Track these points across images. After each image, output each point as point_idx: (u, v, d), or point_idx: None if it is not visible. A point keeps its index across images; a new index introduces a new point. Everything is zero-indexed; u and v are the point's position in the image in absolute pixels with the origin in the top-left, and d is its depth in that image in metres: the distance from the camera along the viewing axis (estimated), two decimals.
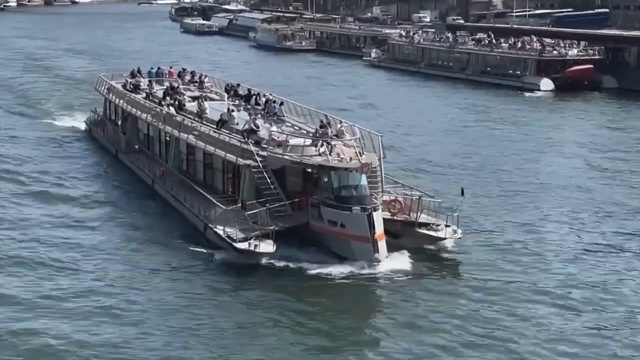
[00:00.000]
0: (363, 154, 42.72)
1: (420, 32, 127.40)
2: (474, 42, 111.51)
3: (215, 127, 48.76)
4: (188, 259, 40.79)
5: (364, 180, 41.49)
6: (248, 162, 43.29)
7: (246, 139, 45.78)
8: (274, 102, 51.87)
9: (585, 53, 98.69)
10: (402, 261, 40.12)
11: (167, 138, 52.41)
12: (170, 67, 67.88)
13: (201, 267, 39.94)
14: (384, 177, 44.03)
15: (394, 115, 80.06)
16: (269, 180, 42.50)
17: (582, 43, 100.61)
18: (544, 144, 67.70)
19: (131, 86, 61.21)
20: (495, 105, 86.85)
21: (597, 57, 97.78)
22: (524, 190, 53.20)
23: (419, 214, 42.39)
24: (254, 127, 46.31)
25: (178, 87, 58.23)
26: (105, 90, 64.02)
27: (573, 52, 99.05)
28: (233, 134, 47.04)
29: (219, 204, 42.82)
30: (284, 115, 51.10)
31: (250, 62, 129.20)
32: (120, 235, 44.31)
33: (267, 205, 41.17)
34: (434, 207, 43.11)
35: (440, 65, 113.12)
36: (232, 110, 49.31)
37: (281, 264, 39.62)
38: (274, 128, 45.70)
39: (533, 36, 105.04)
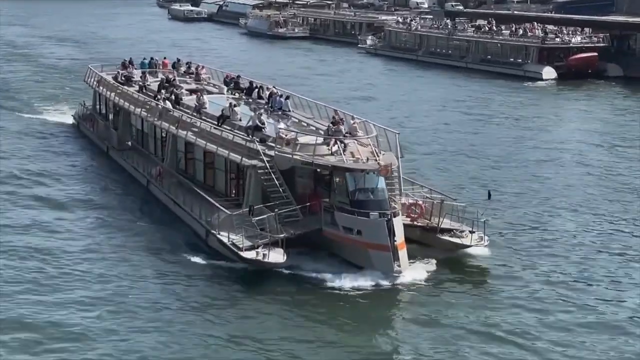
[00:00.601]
0: (380, 153, 39.11)
1: (418, 18, 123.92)
2: (473, 29, 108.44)
3: (216, 123, 45.01)
4: (188, 268, 37.24)
5: (382, 183, 37.98)
6: (254, 162, 39.73)
7: (251, 137, 42.18)
8: (280, 95, 48.11)
9: (589, 40, 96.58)
10: (423, 271, 36.79)
11: (163, 135, 48.72)
12: (164, 58, 63.89)
13: (203, 277, 36.44)
14: (402, 178, 40.29)
15: (391, 107, 76.65)
16: (277, 183, 38.95)
17: (586, 30, 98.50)
18: (552, 137, 64.53)
19: (123, 78, 57.42)
20: (496, 95, 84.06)
21: (601, 44, 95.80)
22: (544, 187, 50.21)
23: (441, 219, 38.85)
24: (259, 124, 42.68)
25: (174, 79, 54.32)
26: (95, 83, 60.13)
27: (576, 40, 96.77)
28: (236, 131, 43.33)
29: (222, 208, 39.19)
30: (289, 110, 47.39)
31: (240, 50, 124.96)
32: (113, 242, 40.58)
33: (276, 210, 37.54)
34: (457, 211, 39.50)
35: (438, 53, 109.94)
36: (235, 105, 45.57)
37: (291, 274, 36.25)
38: (282, 125, 42.11)
39: (535, 23, 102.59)
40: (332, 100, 59.99)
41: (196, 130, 44.90)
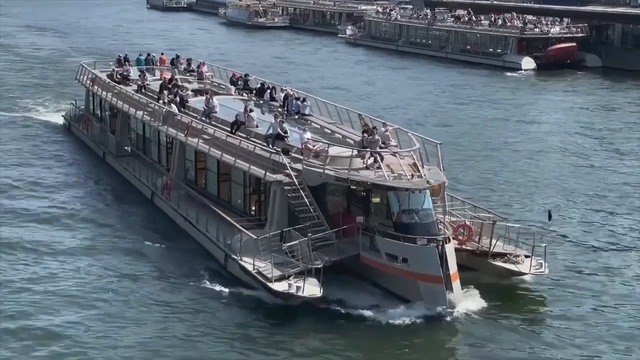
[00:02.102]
0: (423, 167, 33.23)
1: (398, 8, 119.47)
2: (453, 19, 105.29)
3: (229, 130, 38.91)
4: (205, 298, 31.53)
5: (428, 203, 32.16)
6: (279, 177, 33.73)
7: (271, 147, 36.17)
8: (297, 98, 41.94)
9: (567, 31, 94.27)
10: (478, 304, 30.99)
11: (168, 141, 42.48)
12: (162, 54, 57.44)
13: (222, 309, 30.79)
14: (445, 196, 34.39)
15: (369, 98, 71.31)
16: (306, 201, 33.02)
17: (565, 20, 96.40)
18: (541, 130, 60.78)
19: (119, 76, 50.93)
20: (476, 85, 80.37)
21: (580, 34, 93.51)
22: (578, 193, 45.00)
23: (493, 241, 32.97)
24: (281, 132, 36.61)
25: (175, 78, 47.91)
26: (89, 81, 53.42)
27: (555, 30, 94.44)
28: (254, 140, 37.30)
29: (244, 230, 33.17)
30: (308, 114, 41.31)
31: (219, 40, 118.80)
32: (116, 265, 34.55)
33: (309, 234, 31.56)
34: (509, 232, 33.63)
35: (418, 43, 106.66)
36: (251, 110, 39.36)
37: (326, 307, 30.41)
38: (308, 134, 35.94)
39: (514, 13, 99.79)
40: (309, 92, 53.39)
41: (208, 137, 38.76)
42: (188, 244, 36.35)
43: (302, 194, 33.10)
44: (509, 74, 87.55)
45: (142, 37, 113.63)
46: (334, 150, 34.00)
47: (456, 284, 30.64)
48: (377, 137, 34.30)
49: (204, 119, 41.26)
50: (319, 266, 30.50)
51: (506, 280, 32.63)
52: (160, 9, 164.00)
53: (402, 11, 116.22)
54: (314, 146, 34.82)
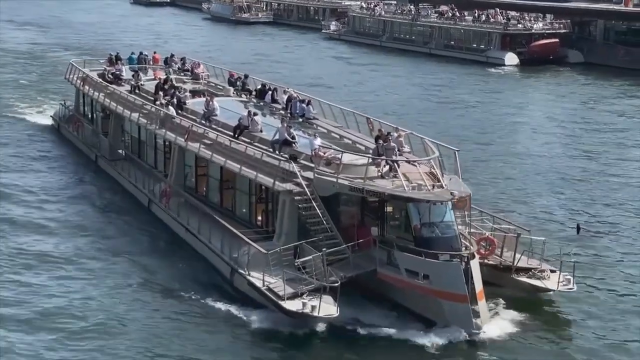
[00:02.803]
0: (443, 176, 30.58)
1: (382, 4, 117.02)
2: (437, 15, 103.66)
3: (232, 134, 36.11)
4: (210, 315, 28.90)
5: (450, 215, 29.55)
6: (289, 186, 30.97)
7: (278, 153, 33.43)
8: (301, 101, 39.14)
9: (550, 27, 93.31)
10: (506, 324, 28.47)
11: (165, 145, 39.62)
12: (155, 53, 54.33)
13: (229, 328, 28.12)
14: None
15: (354, 95, 68.58)
16: (318, 212, 30.30)
17: (548, 16, 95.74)
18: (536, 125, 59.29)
19: (110, 76, 47.85)
20: (459, 81, 78.70)
21: (562, 30, 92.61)
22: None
23: (518, 255, 30.36)
24: (289, 138, 33.85)
25: (170, 79, 44.90)
26: (79, 81, 50.09)
27: (538, 26, 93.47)
28: (259, 146, 34.52)
29: (252, 243, 30.46)
30: (313, 117, 38.54)
31: (202, 36, 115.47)
32: (113, 280, 31.71)
33: (324, 249, 28.85)
34: (533, 245, 31.05)
35: (402, 38, 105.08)
36: (255, 114, 36.54)
37: (342, 326, 27.75)
38: (318, 140, 33.17)
39: (497, 9, 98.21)
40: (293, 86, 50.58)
41: (210, 142, 35.91)
42: (190, 256, 33.54)
43: (314, 204, 30.38)
44: (492, 69, 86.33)
45: (125, 32, 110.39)
46: (347, 158, 31.24)
47: (482, 303, 28.09)
48: (392, 143, 31.58)
49: (203, 122, 38.33)
50: (336, 285, 27.73)
51: (531, 297, 30.12)
52: (144, 4, 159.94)
53: (386, 7, 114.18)
54: (325, 153, 32.08)
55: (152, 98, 42.22)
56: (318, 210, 30.31)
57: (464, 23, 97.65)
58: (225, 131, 36.86)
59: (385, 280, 29.25)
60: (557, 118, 62.41)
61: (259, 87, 42.89)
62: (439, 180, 30.02)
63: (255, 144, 35.28)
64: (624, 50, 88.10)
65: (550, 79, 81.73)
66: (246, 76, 45.07)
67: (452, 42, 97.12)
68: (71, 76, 51.12)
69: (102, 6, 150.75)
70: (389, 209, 30.47)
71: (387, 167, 30.88)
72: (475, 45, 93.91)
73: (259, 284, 29.04)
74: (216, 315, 28.88)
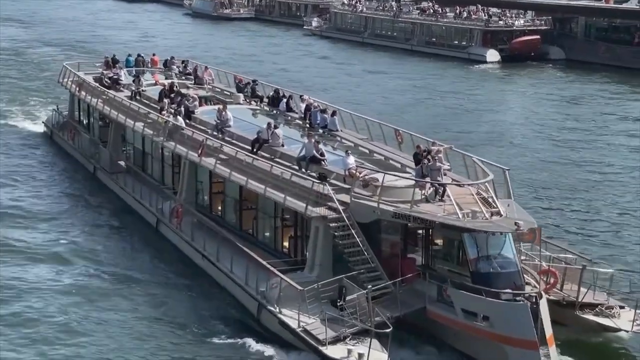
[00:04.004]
0: (497, 202, 25.82)
1: (364, 0, 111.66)
2: (418, 11, 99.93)
3: (250, 148, 31.13)
4: (235, 358, 23.92)
5: (510, 247, 24.92)
6: (323, 211, 26.08)
7: (305, 171, 28.57)
8: (322, 111, 34.10)
9: (532, 23, 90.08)
10: None
11: (171, 157, 34.56)
12: (153, 55, 48.90)
13: None
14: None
15: (335, 92, 63.72)
16: (358, 241, 25.43)
17: (529, 13, 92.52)
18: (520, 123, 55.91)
19: (108, 80, 42.51)
20: (441, 78, 74.87)
21: (544, 27, 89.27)
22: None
23: (583, 290, 25.68)
24: (317, 155, 28.92)
25: (175, 85, 39.67)
26: (74, 86, 44.40)
27: (520, 23, 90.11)
28: (282, 163, 29.62)
29: (282, 275, 25.58)
30: (337, 130, 33.59)
31: (184, 32, 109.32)
32: (119, 313, 26.76)
33: (369, 287, 24.05)
34: (596, 278, 26.35)
35: (384, 35, 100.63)
36: (276, 127, 31.51)
37: None
38: (351, 159, 28.25)
39: (479, 5, 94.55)
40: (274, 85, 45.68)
41: (226, 158, 30.90)
42: (208, 287, 28.61)
43: (353, 232, 25.55)
44: (473, 66, 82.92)
45: (108, 29, 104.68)
46: (387, 179, 26.39)
47: (553, 349, 23.44)
48: (438, 163, 26.74)
49: (215, 133, 33.31)
50: (388, 330, 22.88)
51: (600, 338, 25.36)
52: (125, 0, 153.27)
53: (367, 3, 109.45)
54: (360, 173, 27.22)
55: (157, 106, 36.98)
56: (357, 239, 25.50)
57: (445, 20, 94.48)
58: (240, 143, 31.89)
59: (436, 320, 24.49)
60: (537, 114, 59.56)
61: (272, 93, 37.69)
62: (494, 206, 25.27)
63: (277, 159, 30.34)
64: (605, 47, 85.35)
65: (531, 75, 78.69)
66: (255, 81, 39.87)
67: (434, 39, 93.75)
68: (65, 80, 45.47)
69: (84, 2, 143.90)
70: (437, 238, 25.77)
71: (432, 188, 26.12)
72: (456, 42, 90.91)
73: (293, 324, 24.28)
74: (242, 356, 23.97)
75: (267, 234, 29.50)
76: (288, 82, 61.44)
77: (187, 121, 34.80)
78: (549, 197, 38.92)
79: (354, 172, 27.41)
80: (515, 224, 24.06)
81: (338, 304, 24.06)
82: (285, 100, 36.57)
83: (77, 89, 43.08)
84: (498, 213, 24.94)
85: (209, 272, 29.23)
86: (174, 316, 26.66)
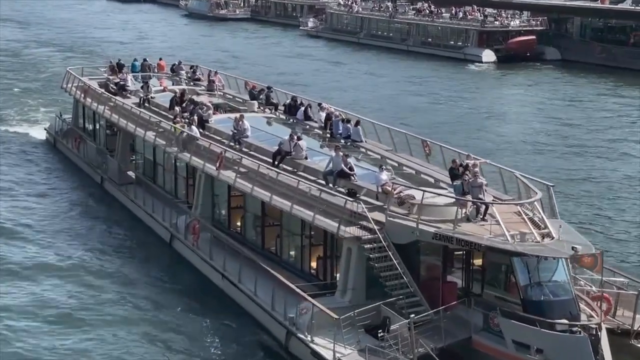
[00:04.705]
0: (547, 222, 23.25)
1: (359, 0, 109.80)
2: (414, 11, 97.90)
3: (272, 161, 28.49)
4: None
5: (564, 272, 22.32)
6: (356, 231, 23.48)
7: (332, 186, 25.95)
8: (345, 120, 31.42)
9: (527, 24, 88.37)
10: None
11: (186, 169, 31.83)
12: (160, 59, 45.99)
13: None
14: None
15: (331, 93, 60.81)
16: (395, 263, 22.84)
17: (525, 13, 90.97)
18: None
19: (114, 87, 39.67)
20: (437, 78, 72.96)
21: (539, 27, 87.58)
22: None
23: (638, 316, 23.13)
24: (346, 169, 26.29)
25: (184, 92, 36.86)
26: (79, 92, 41.33)
27: (515, 23, 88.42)
28: (306, 176, 27.00)
29: (313, 301, 22.97)
30: (361, 141, 30.92)
31: (179, 33, 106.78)
32: (136, 340, 24.09)
33: (412, 316, 21.47)
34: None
35: (379, 35, 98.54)
36: (299, 138, 28.82)
37: None
38: (384, 175, 25.62)
39: (474, 6, 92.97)
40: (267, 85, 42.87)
41: (246, 171, 28.22)
42: (230, 310, 25.88)
43: (390, 254, 22.97)
44: (469, 66, 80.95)
45: (103, 30, 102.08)
46: (426, 197, 23.81)
47: None
48: (479, 179, 24.15)
49: (232, 143, 30.64)
50: None
51: None
52: (120, 0, 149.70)
53: (363, 4, 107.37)
54: (394, 189, 24.61)
55: (167, 114, 34.25)
56: (395, 261, 22.91)
57: (441, 20, 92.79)
58: (260, 155, 29.24)
59: (483, 351, 21.92)
60: (533, 115, 58.10)
61: (288, 101, 34.94)
62: (544, 227, 22.71)
63: (300, 172, 27.73)
64: (601, 47, 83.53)
65: (527, 76, 76.67)
66: (270, 88, 37.06)
67: (430, 39, 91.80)
68: (68, 85, 42.49)
69: (78, 2, 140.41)
70: (479, 260, 23.21)
71: (473, 207, 23.58)
72: (452, 42, 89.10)
73: (327, 354, 21.73)
74: None
75: (292, 253, 26.89)
76: (283, 83, 58.38)
77: (201, 131, 31.99)
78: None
79: (389, 188, 24.76)
80: (573, 248, 21.48)
81: (379, 333, 21.45)
82: (303, 108, 33.81)
83: (83, 95, 40.10)
84: (549, 235, 22.40)
85: (229, 294, 26.57)
86: (193, 340, 24.02)
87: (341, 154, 26.70)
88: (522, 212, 23.52)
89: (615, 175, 42.01)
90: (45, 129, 45.69)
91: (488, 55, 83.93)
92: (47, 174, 39.56)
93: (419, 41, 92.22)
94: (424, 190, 23.85)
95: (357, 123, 31.01)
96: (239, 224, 29.19)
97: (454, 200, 23.85)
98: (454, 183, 25.34)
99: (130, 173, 35.70)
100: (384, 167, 26.00)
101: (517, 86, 71.74)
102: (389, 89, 66.64)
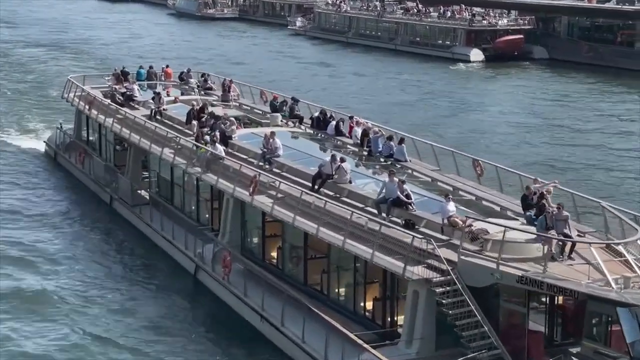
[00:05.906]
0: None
1: (347, 0, 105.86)
2: (402, 11, 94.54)
3: (311, 185, 24.32)
4: None
5: None
6: (424, 272, 19.36)
7: (386, 216, 21.87)
8: (389, 138, 27.24)
9: (515, 23, 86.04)
10: None
11: (209, 189, 27.53)
12: (166, 66, 41.38)
13: None
14: None
15: (319, 94, 57.16)
16: (473, 309, 18.84)
17: (513, 12, 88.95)
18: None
19: (121, 97, 35.16)
20: (425, 78, 70.23)
21: (527, 26, 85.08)
22: None
23: None
24: (402, 197, 22.20)
25: (206, 105, 32.39)
26: (83, 103, 36.52)
27: (503, 22, 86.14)
28: (345, 200, 22.94)
29: (376, 352, 18.92)
30: (406, 160, 26.80)
31: (167, 32, 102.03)
32: None
33: None
34: None
35: (368, 35, 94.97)
36: (342, 160, 24.65)
37: None
38: (451, 205, 21.53)
39: (462, 5, 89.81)
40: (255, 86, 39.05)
41: (283, 196, 24.05)
42: (274, 358, 21.66)
43: (466, 299, 18.96)
44: (457, 66, 77.87)
45: (93, 29, 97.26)
46: (497, 230, 19.84)
47: None
48: (564, 212, 20.16)
49: (261, 163, 26.44)
50: None
51: None
52: (109, 0, 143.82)
53: (351, 3, 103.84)
54: (464, 222, 20.57)
55: (184, 128, 29.95)
56: (472, 307, 18.90)
57: (429, 19, 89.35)
58: (293, 177, 25.14)
59: None
60: (521, 113, 55.64)
61: (317, 114, 30.66)
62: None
63: (344, 198, 23.62)
64: (588, 46, 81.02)
65: (515, 75, 74.19)
66: (295, 99, 32.70)
67: (418, 39, 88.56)
68: (70, 95, 37.79)
69: (66, 2, 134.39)
70: (569, 307, 19.30)
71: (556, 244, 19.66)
72: (440, 42, 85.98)
73: None
74: None
75: (341, 291, 22.73)
76: (271, 83, 54.73)
77: (224, 148, 27.71)
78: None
79: (458, 221, 20.71)
80: None
81: None
82: (334, 122, 29.61)
83: (88, 106, 35.42)
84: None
85: (271, 339, 22.41)
86: None
87: (396, 179, 22.62)
88: (611, 251, 19.64)
89: (604, 172, 40.43)
90: (45, 142, 40.79)
91: (476, 55, 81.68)
92: (50, 191, 34.82)
93: (407, 40, 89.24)
94: (505, 227, 19.78)
95: (402, 141, 26.92)
96: (275, 255, 24.98)
97: (535, 236, 19.87)
98: (527, 213, 21.47)
99: (144, 193, 31.17)
100: (450, 196, 21.86)
101: (505, 85, 69.19)
102: (377, 88, 63.76)
